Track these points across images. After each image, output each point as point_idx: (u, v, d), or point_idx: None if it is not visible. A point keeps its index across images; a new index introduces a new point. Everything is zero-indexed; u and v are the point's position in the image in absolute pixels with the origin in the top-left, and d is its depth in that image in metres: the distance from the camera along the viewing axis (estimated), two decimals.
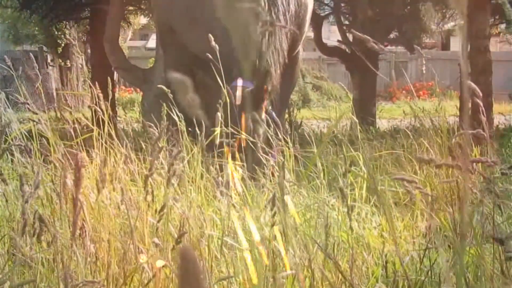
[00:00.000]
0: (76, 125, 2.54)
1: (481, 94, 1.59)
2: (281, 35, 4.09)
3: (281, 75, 4.20)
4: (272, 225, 1.51)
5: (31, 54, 3.01)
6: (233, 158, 2.24)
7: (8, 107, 2.86)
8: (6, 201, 2.21)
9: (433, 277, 1.65)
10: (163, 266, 1.60)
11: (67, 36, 12.62)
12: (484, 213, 1.69)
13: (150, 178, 1.82)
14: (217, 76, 2.62)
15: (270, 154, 2.56)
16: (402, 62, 17.83)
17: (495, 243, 1.36)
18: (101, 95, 2.58)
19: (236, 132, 2.29)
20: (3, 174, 1.93)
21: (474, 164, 1.62)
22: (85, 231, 1.81)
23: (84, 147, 2.44)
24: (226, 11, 0.77)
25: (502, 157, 3.58)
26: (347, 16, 9.86)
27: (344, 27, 9.73)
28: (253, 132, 3.42)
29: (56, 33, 13.65)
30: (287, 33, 4.20)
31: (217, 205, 2.15)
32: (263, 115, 3.69)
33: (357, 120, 2.51)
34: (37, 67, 2.59)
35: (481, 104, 1.62)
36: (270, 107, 3.87)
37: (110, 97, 2.66)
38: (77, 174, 1.45)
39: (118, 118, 7.34)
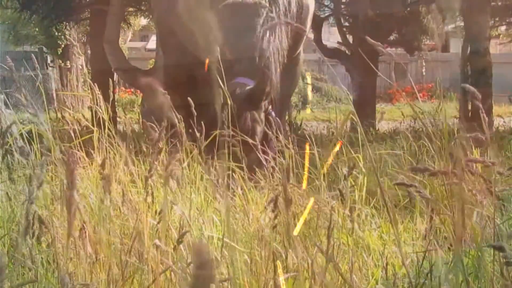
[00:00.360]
0: (76, 126, 2.54)
1: (480, 96, 1.58)
2: (281, 34, 4.09)
3: (281, 75, 4.20)
4: (274, 227, 1.51)
5: (32, 55, 3.01)
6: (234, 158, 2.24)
7: (9, 108, 2.86)
8: (10, 200, 2.21)
9: (432, 279, 1.65)
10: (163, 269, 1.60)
11: (67, 37, 12.62)
12: (484, 215, 1.69)
13: (150, 179, 1.82)
14: (217, 76, 2.60)
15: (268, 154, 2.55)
16: (401, 64, 17.82)
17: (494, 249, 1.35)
18: (101, 96, 2.58)
19: (234, 133, 2.29)
20: (12, 173, 1.94)
21: (474, 165, 1.62)
22: (85, 232, 1.81)
23: (83, 148, 2.44)
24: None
25: (502, 159, 3.58)
26: (347, 17, 9.87)
27: (344, 29, 9.74)
28: (251, 132, 3.41)
29: (56, 34, 13.66)
30: (287, 32, 4.19)
31: (217, 207, 2.15)
32: (262, 115, 3.68)
33: (359, 121, 2.50)
34: (38, 68, 2.58)
35: (481, 106, 1.62)
36: (269, 107, 3.86)
37: (110, 99, 2.66)
38: (71, 174, 1.45)
39: (118, 119, 7.34)
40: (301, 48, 5.05)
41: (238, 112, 3.11)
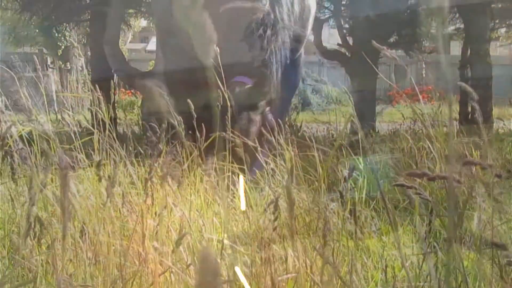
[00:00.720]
0: (76, 128, 2.54)
1: (477, 97, 1.57)
2: (283, 34, 4.07)
3: (282, 76, 4.19)
4: (274, 229, 1.51)
5: (34, 56, 3.02)
6: (236, 158, 2.25)
7: (9, 109, 2.86)
8: (12, 200, 2.21)
9: (431, 281, 1.65)
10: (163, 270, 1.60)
11: (68, 38, 12.63)
12: (483, 217, 1.69)
13: (149, 181, 1.82)
14: (216, 78, 2.61)
15: (261, 152, 2.55)
16: (402, 66, 17.80)
17: (494, 248, 1.35)
18: (101, 97, 2.58)
19: (233, 134, 2.29)
20: (15, 174, 1.94)
21: (473, 167, 1.62)
22: (85, 234, 1.81)
23: (83, 150, 2.44)
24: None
25: (501, 161, 3.57)
26: (347, 19, 9.86)
27: (344, 31, 9.74)
28: (245, 132, 3.39)
29: (56, 35, 13.67)
30: (289, 32, 4.18)
31: (217, 209, 2.15)
32: (258, 116, 3.66)
33: (359, 125, 2.50)
34: (40, 69, 2.59)
35: (477, 107, 1.61)
36: (267, 108, 3.85)
37: (111, 100, 2.66)
38: (65, 176, 1.45)
39: (118, 121, 7.35)
40: (302, 50, 5.05)
41: (236, 111, 3.11)
